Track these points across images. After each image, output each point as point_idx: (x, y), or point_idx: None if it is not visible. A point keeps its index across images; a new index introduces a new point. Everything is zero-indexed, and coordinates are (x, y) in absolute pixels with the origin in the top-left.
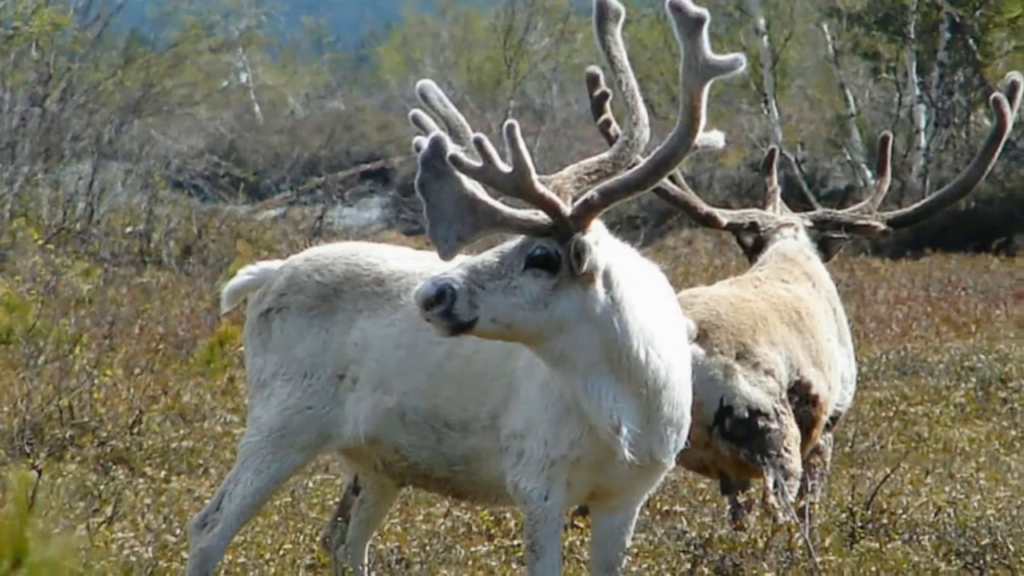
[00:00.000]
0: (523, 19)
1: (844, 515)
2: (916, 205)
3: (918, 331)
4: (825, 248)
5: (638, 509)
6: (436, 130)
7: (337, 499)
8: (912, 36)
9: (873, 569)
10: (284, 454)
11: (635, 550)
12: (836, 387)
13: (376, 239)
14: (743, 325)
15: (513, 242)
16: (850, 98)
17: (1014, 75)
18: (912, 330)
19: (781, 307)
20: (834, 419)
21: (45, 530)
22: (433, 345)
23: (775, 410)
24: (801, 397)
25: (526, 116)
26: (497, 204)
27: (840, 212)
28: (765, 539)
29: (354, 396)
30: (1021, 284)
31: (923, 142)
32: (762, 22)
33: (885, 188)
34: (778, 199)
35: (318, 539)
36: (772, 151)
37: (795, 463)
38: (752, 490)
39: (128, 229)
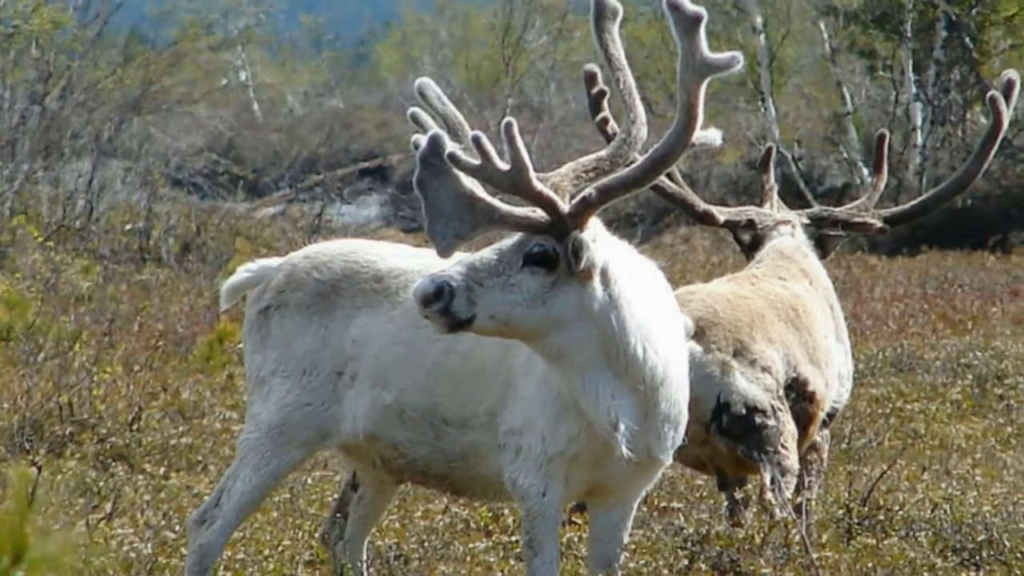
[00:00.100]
0: (521, 17)
1: (841, 511)
2: (912, 203)
3: (914, 328)
4: (822, 245)
5: (636, 505)
6: (434, 128)
7: (336, 495)
8: (908, 34)
9: (870, 565)
10: (283, 451)
11: (632, 546)
12: (833, 384)
13: (375, 237)
14: (740, 322)
15: (511, 239)
16: (847, 96)
17: (1010, 73)
18: (908, 327)
19: (778, 304)
20: (831, 416)
21: (45, 526)
22: (431, 342)
23: (772, 407)
24: (798, 394)
25: (524, 114)
26: (495, 202)
27: (837, 209)
28: (762, 535)
29: (353, 393)
30: (1017, 281)
31: (919, 140)
32: (759, 20)
33: (882, 186)
34: (775, 197)
35: (317, 535)
36: (769, 149)
37: (792, 460)
38: (749, 486)
39: (127, 227)
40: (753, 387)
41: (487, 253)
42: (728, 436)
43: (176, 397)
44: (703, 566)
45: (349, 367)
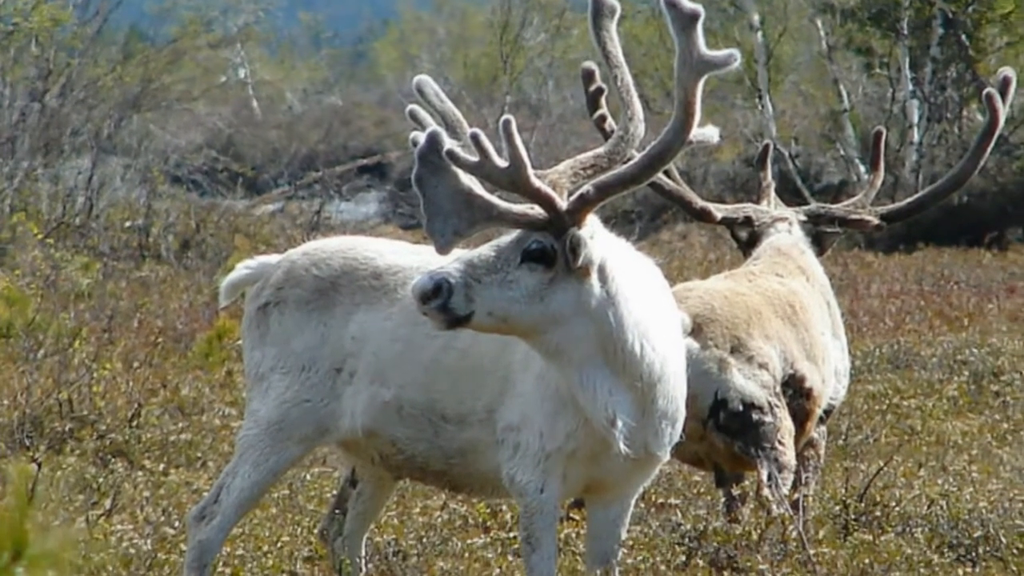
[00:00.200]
0: (519, 15)
1: (838, 507)
2: (909, 200)
3: (911, 325)
4: (819, 242)
5: (633, 502)
6: (433, 125)
7: (334, 492)
8: (905, 32)
9: (866, 561)
10: (282, 447)
11: (630, 542)
12: (830, 380)
13: (373, 233)
14: (737, 319)
15: (509, 236)
16: (843, 93)
17: (1006, 71)
18: (905, 324)
19: (775, 301)
20: (828, 412)
21: (45, 522)
22: (430, 339)
23: (769, 403)
24: (795, 390)
25: (522, 111)
26: (493, 199)
27: (834, 207)
28: (759, 531)
29: (351, 389)
30: (1013, 278)
31: (916, 137)
32: (756, 18)
33: (878, 183)
34: (772, 194)
35: (316, 531)
36: (766, 146)
37: (789, 456)
38: (746, 483)
39: (127, 223)
40: (750, 384)
41: (485, 250)
42: (725, 432)
43: (175, 393)
44: (700, 562)
45: (348, 363)
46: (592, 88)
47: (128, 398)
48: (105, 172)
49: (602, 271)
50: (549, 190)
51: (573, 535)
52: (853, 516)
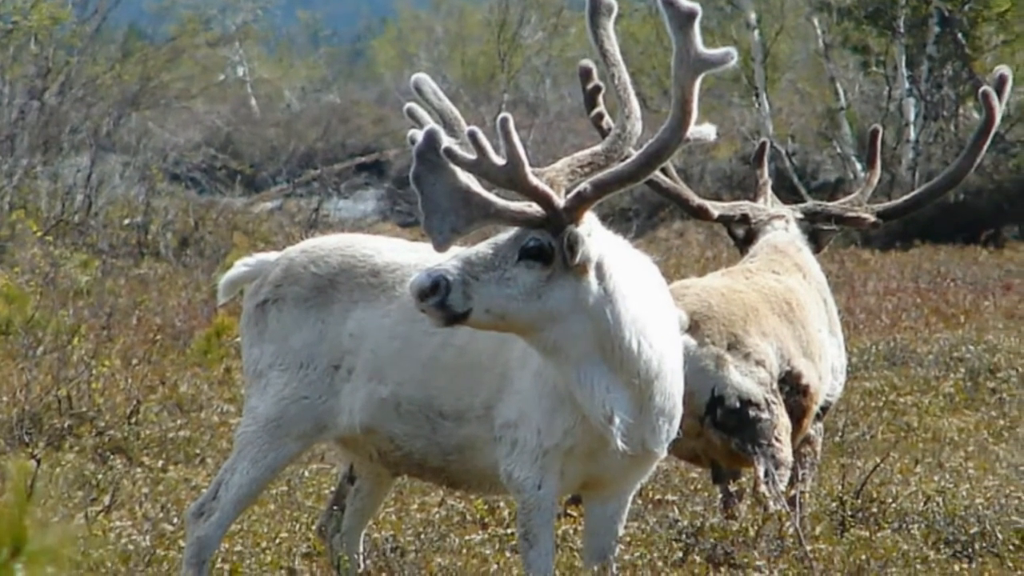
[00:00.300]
0: (517, 13)
1: (834, 504)
2: (905, 197)
3: (907, 322)
4: (815, 240)
5: (631, 498)
6: (431, 123)
7: (333, 488)
8: (902, 30)
9: (863, 557)
10: (280, 443)
11: (627, 539)
12: (826, 377)
13: (371, 231)
14: (734, 316)
15: (507, 234)
16: (840, 91)
17: (1002, 69)
18: (901, 321)
19: (772, 298)
20: (824, 409)
21: (44, 519)
22: (428, 336)
23: (766, 400)
24: (792, 387)
25: (520, 109)
26: (491, 196)
27: (830, 204)
28: (756, 528)
29: (349, 386)
30: (1009, 275)
31: (912, 135)
32: (753, 16)
33: (875, 180)
34: (769, 191)
35: (314, 528)
36: (763, 144)
37: (786, 452)
38: (743, 479)
39: (126, 221)
40: (747, 380)
41: (483, 247)
42: (722, 429)
43: (174, 390)
44: (697, 558)
45: (346, 360)
46: (589, 86)
47: (127, 395)
48: (104, 170)
49: (599, 268)
50: (547, 188)
51: (571, 531)
52: (850, 512)
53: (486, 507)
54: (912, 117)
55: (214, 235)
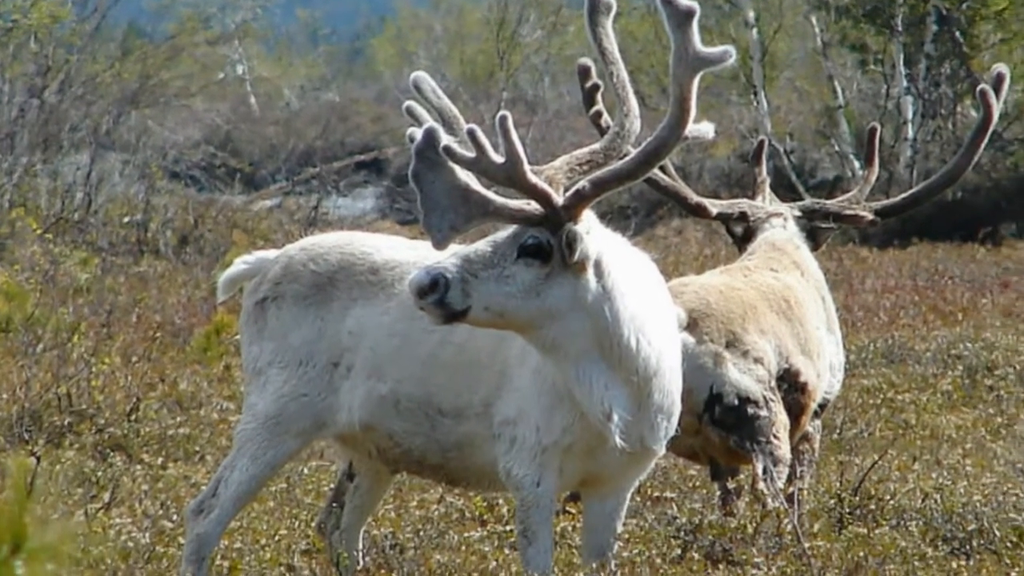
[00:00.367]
0: (516, 12)
1: (832, 501)
2: (903, 195)
3: (905, 319)
4: (814, 237)
5: (629, 495)
6: (430, 121)
7: (332, 485)
8: (899, 29)
9: (861, 554)
10: (279, 441)
11: (626, 535)
12: (824, 375)
13: (370, 229)
14: (733, 314)
15: (506, 232)
16: (838, 90)
17: (1000, 67)
18: (899, 318)
19: (770, 296)
20: (822, 406)
21: (44, 516)
22: (427, 333)
23: (764, 397)
24: (790, 385)
25: (519, 107)
26: (490, 194)
27: (828, 202)
28: (754, 525)
29: (349, 384)
30: (1007, 273)
31: (910, 133)
32: (751, 15)
33: (873, 178)
34: (767, 189)
35: (313, 525)
36: (761, 142)
37: (784, 450)
38: (742, 476)
39: (126, 219)
40: (745, 378)
41: (482, 245)
42: (721, 426)
43: (174, 388)
44: (696, 555)
45: (345, 358)
46: (588, 84)
47: (127, 392)
48: (104, 168)
49: (598, 266)
50: (545, 186)
51: (569, 528)
52: (848, 509)
53: (485, 504)
54: (910, 115)
55: (213, 233)
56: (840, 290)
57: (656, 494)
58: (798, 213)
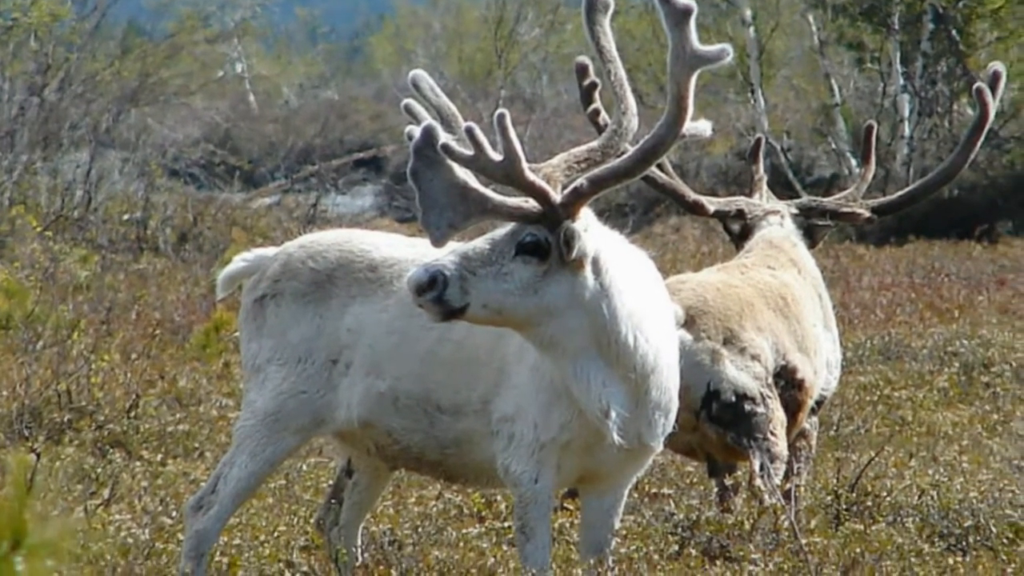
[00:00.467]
0: (514, 10)
1: (829, 497)
2: (900, 193)
3: (902, 317)
4: (810, 235)
5: (627, 492)
6: (428, 119)
7: (331, 482)
8: (896, 27)
9: (858, 550)
10: (278, 437)
11: (624, 532)
12: (821, 372)
13: (369, 226)
14: (730, 311)
15: (504, 229)
16: (835, 88)
17: (996, 65)
18: (896, 316)
19: (767, 293)
20: (819, 403)
21: (44, 512)
22: (425, 330)
23: (761, 394)
24: (787, 381)
25: (517, 105)
26: (488, 192)
27: (825, 200)
28: (752, 521)
29: (347, 381)
30: (1003, 270)
31: (907, 131)
32: (748, 13)
33: (869, 176)
34: (764, 187)
35: (312, 521)
36: (758, 140)
37: (781, 446)
38: (739, 473)
39: (125, 216)
40: (743, 375)
41: (480, 243)
42: (718, 423)
43: (173, 385)
44: (693, 551)
45: (344, 355)
46: (586, 83)
47: (126, 389)
48: (103, 166)
49: (596, 264)
50: (543, 183)
51: (567, 525)
52: (844, 506)
53: (483, 501)
54: (907, 113)
55: (213, 230)
56: (837, 287)
57: (654, 490)
58: (795, 211)
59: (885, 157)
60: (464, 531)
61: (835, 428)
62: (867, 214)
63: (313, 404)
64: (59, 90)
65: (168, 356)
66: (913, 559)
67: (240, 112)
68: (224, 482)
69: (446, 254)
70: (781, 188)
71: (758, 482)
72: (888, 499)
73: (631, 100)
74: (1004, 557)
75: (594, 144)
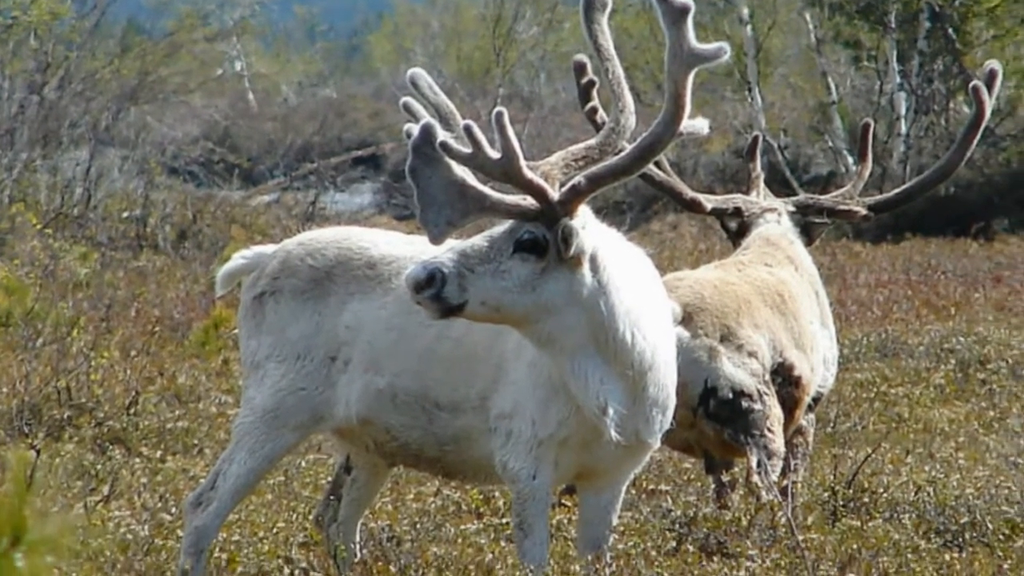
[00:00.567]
0: (512, 9)
1: (826, 494)
2: (897, 190)
3: (898, 314)
4: (807, 232)
5: (624, 488)
6: (426, 117)
7: (329, 478)
8: (893, 25)
9: (854, 547)
10: (277, 434)
11: (621, 528)
12: (818, 369)
13: (368, 224)
14: (727, 308)
15: (502, 227)
16: (832, 86)
17: (992, 63)
18: (893, 313)
19: (764, 290)
20: (816, 400)
21: (43, 509)
22: (423, 328)
23: (758, 391)
24: (784, 378)
25: (515, 104)
26: (486, 189)
27: (822, 197)
28: (749, 517)
29: (346, 378)
30: (999, 268)
31: (903, 129)
32: (746, 11)
33: (866, 174)
34: (761, 185)
35: (311, 517)
36: (755, 138)
37: (778, 443)
38: (736, 470)
39: (125, 214)
40: (740, 372)
41: (478, 240)
42: (715, 420)
43: (172, 382)
44: (691, 548)
45: (342, 352)
46: (584, 81)
47: (126, 386)
48: (103, 163)
49: (594, 261)
50: (541, 181)
51: (565, 521)
52: (841, 502)
53: (481, 497)
54: (903, 111)
55: (212, 228)
56: (834, 284)
57: (651, 487)
58: (792, 208)
59: (882, 155)
60: (462, 527)
61: (832, 425)
62: (864, 212)
63: (312, 401)
64: (59, 88)
65: (167, 353)
66: (910, 555)
67: (239, 110)
68: (223, 478)
69: (444, 251)
70: (778, 186)
71: (755, 478)
72: (885, 495)
73: (629, 98)
74: (1000, 553)
75: (592, 142)
